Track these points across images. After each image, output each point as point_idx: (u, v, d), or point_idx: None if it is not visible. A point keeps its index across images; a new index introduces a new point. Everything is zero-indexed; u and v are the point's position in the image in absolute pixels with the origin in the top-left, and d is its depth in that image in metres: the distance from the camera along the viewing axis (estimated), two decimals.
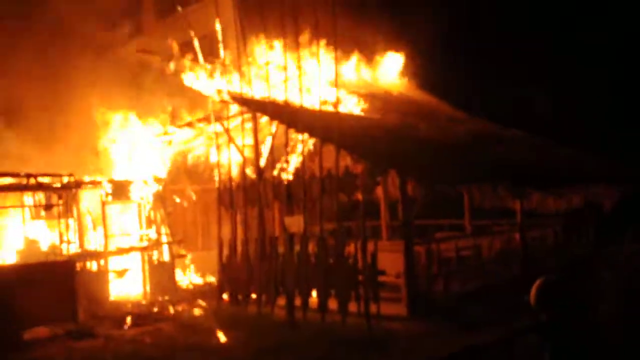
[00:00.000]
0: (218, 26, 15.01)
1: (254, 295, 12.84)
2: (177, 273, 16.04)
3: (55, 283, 11.89)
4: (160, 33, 19.94)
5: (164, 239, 15.52)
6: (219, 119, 14.13)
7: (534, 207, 14.65)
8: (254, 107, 13.06)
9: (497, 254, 14.40)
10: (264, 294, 12.61)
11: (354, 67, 18.02)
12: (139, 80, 15.49)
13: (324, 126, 11.83)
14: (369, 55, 18.43)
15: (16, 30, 15.67)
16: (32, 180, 12.70)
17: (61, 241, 13.71)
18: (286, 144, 12.67)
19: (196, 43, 14.37)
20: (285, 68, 13.77)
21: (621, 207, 14.43)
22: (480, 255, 14.08)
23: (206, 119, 14.61)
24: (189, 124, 15.17)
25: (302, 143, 12.50)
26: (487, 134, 16.28)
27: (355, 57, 18.05)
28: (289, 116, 12.35)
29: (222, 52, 14.32)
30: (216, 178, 13.94)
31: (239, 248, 13.09)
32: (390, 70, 19.17)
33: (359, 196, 11.72)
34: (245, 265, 12.88)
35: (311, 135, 12.16)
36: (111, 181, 14.84)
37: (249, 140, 13.74)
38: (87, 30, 16.51)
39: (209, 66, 14.60)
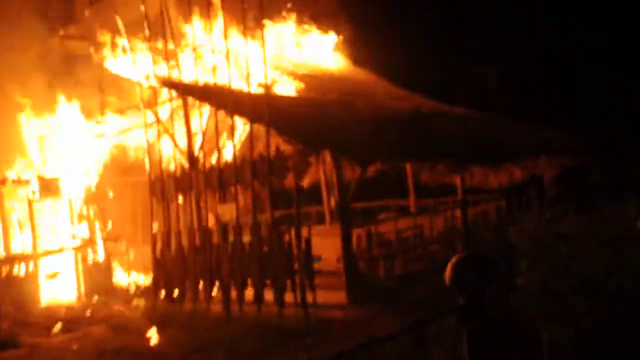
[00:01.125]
0: (142, 8, 14.26)
1: (189, 291, 12.27)
2: (116, 272, 15.39)
3: None
4: (93, 19, 18.95)
5: (98, 236, 14.81)
6: (149, 105, 13.46)
7: (478, 183, 14.35)
8: (182, 90, 12.44)
9: (440, 234, 14.11)
10: (199, 289, 12.06)
11: (289, 46, 17.43)
12: (68, 69, 14.65)
13: (253, 107, 11.25)
14: (304, 32, 17.86)
15: None
16: None
17: None
18: (216, 128, 12.06)
19: (121, 27, 13.59)
20: (216, 51, 13.17)
21: (563, 180, 14.25)
22: (423, 235, 13.77)
23: (136, 107, 13.93)
24: (120, 112, 14.44)
25: (232, 127, 11.88)
26: (428, 111, 15.90)
27: (290, 36, 17.48)
28: (217, 98, 11.75)
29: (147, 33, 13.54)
30: (147, 168, 13.26)
31: (172, 241, 12.50)
32: (327, 48, 18.63)
33: (292, 180, 11.24)
34: (179, 259, 12.29)
35: (240, 116, 11.58)
36: (39, 178, 14.04)
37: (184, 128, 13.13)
38: (13, 17, 15.50)
39: (140, 51, 13.88)
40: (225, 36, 12.46)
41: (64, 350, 10.54)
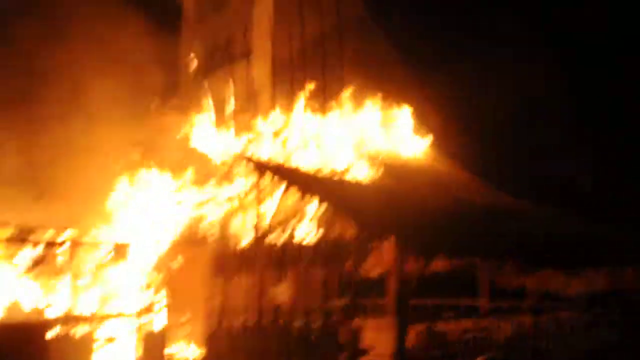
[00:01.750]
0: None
1: None
2: (175, 343, 15.21)
3: (25, 347, 11.22)
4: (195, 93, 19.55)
5: (161, 304, 14.78)
6: (224, 180, 13.66)
7: (554, 288, 13.37)
8: (255, 166, 12.54)
9: (506, 340, 13.09)
10: None
11: (373, 130, 17.43)
12: (157, 139, 15.28)
13: (322, 189, 11.12)
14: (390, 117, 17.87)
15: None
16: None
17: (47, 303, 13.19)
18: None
19: (210, 104, 14.10)
20: (297, 133, 13.37)
21: None
22: (487, 339, 12.82)
23: (216, 181, 14.15)
24: (199, 184, 14.73)
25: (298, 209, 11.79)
26: (507, 208, 15.23)
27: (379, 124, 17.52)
28: (287, 176, 11.74)
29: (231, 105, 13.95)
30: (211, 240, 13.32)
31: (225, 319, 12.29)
32: (417, 140, 18.50)
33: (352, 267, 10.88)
34: (229, 336, 12.01)
35: (307, 195, 11.48)
36: (112, 243, 14.34)
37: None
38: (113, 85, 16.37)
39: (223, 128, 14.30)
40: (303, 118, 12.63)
41: None
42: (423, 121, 18.96)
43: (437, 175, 16.81)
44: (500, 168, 20.20)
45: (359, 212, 10.60)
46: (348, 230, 10.63)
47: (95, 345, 13.46)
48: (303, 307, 10.90)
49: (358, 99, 17.69)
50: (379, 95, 18.00)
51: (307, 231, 11.97)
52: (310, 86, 14.58)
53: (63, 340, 12.66)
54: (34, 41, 15.37)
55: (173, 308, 14.84)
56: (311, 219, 12.26)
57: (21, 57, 15.38)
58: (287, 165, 12.34)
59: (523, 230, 13.00)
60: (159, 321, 14.56)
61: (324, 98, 14.20)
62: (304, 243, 11.32)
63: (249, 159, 12.82)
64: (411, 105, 18.77)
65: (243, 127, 13.97)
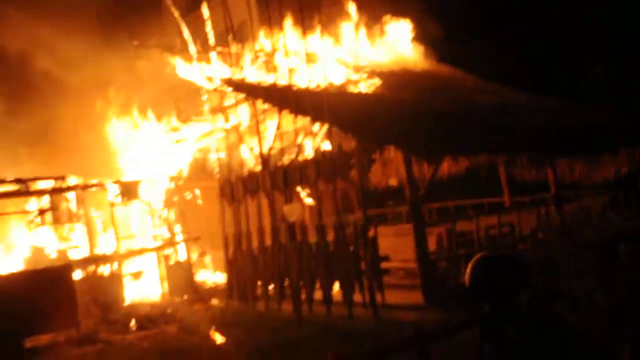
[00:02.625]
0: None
1: (260, 291, 12.09)
2: (199, 272, 15.54)
3: (53, 290, 11.52)
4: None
5: (179, 238, 15.00)
6: (218, 110, 13.51)
7: (579, 178, 13.22)
8: (245, 90, 12.31)
9: (532, 231, 13.07)
10: (270, 289, 11.84)
11: (367, 43, 16.98)
12: (144, 77, 15.00)
13: (315, 105, 10.91)
14: (382, 26, 17.36)
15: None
16: (22, 187, 12.38)
17: (68, 246, 13.45)
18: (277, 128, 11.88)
19: (186, 32, 13.76)
20: (289, 53, 12.99)
21: None
22: (512, 234, 12.82)
23: (212, 112, 14.02)
24: (197, 118, 14.60)
25: (294, 126, 11.62)
26: (519, 104, 14.90)
27: (366, 31, 17.04)
28: (279, 97, 11.52)
29: (211, 38, 13.62)
30: (217, 171, 13.28)
31: (243, 242, 12.37)
32: (407, 43, 17.99)
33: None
34: (249, 260, 12.13)
35: (301, 114, 11.28)
36: (118, 182, 14.42)
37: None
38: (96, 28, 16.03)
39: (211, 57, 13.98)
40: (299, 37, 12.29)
41: (133, 347, 10.69)
42: (422, 30, 18.42)
43: (440, 80, 16.41)
44: (508, 68, 19.68)
45: (356, 125, 10.40)
46: (348, 143, 10.48)
47: (124, 281, 13.83)
48: (316, 223, 10.88)
49: (350, 16, 17.25)
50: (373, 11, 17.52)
51: (309, 149, 11.86)
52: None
53: (93, 278, 13.01)
54: None
55: (191, 239, 15.07)
56: (311, 136, 12.12)
57: None
58: (272, 85, 12.04)
59: (537, 122, 12.75)
60: (180, 253, 14.84)
61: (311, 17, 13.70)
62: (308, 160, 11.18)
63: (235, 82, 12.54)
64: (408, 16, 18.21)
65: (228, 58, 13.65)
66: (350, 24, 17.29)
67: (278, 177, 11.62)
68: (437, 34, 18.52)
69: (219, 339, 10.36)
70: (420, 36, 18.43)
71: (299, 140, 12.39)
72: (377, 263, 10.12)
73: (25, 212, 13.38)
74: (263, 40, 14.82)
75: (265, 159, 12.40)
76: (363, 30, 17.21)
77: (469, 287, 3.76)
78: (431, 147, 9.81)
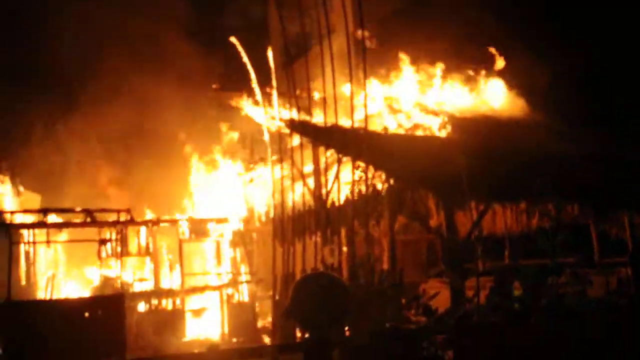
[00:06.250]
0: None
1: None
2: (259, 314, 15.55)
3: (103, 318, 12.04)
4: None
5: (243, 278, 15.19)
6: (283, 152, 13.68)
7: None
8: (297, 129, 12.44)
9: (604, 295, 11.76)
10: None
11: (453, 88, 16.57)
12: (220, 119, 15.71)
13: (356, 145, 10.75)
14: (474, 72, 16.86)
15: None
16: (87, 218, 13.22)
17: (135, 278, 14.09)
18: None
19: (253, 75, 14.23)
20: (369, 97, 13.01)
21: None
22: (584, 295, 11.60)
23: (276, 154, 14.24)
24: (262, 160, 14.93)
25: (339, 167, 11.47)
26: (600, 155, 13.75)
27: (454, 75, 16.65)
28: (325, 137, 11.50)
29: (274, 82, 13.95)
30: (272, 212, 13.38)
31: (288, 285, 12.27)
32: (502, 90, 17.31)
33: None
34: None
35: (343, 153, 11.14)
36: (189, 219, 14.98)
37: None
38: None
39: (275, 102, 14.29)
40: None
41: None
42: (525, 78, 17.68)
43: (523, 128, 15.55)
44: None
45: (391, 165, 10.09)
46: (385, 185, 10.17)
47: (186, 317, 14.20)
48: (350, 266, 10.56)
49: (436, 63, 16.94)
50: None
51: (351, 190, 11.62)
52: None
53: (156, 311, 13.52)
54: None
55: (254, 280, 15.21)
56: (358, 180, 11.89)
57: None
58: (321, 125, 12.03)
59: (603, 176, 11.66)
60: (244, 293, 15.00)
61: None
62: (349, 201, 10.98)
63: (295, 123, 12.67)
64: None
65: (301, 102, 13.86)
66: (437, 69, 16.97)
67: (324, 219, 11.49)
68: (541, 82, 17.69)
69: None
70: (519, 83, 17.71)
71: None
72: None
73: (89, 241, 14.19)
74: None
75: (317, 200, 12.34)
76: (450, 75, 16.82)
77: (291, 309, 3.50)
78: (461, 193, 9.24)
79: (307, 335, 3.41)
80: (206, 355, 4.78)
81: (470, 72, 17.33)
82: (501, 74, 17.55)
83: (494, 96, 17.56)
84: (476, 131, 14.42)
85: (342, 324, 3.41)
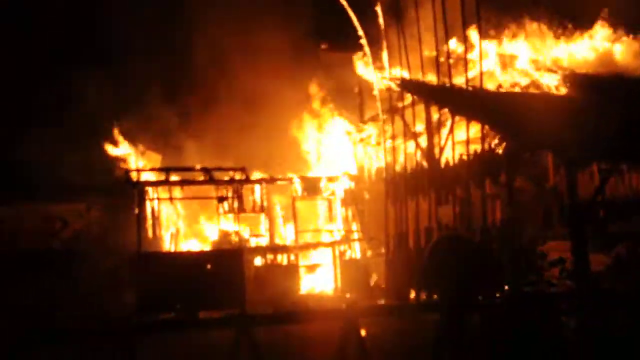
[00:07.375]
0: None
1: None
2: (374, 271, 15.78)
3: (224, 271, 12.70)
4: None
5: (355, 236, 15.42)
6: (394, 111, 13.66)
7: None
8: (409, 89, 12.32)
9: None
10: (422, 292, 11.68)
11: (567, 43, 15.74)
12: (330, 78, 15.83)
13: (471, 104, 10.55)
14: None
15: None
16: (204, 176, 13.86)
17: (251, 234, 14.68)
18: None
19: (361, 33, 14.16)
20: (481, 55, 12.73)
21: None
22: None
23: (387, 113, 14.22)
24: (373, 119, 14.94)
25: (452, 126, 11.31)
26: None
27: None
28: (440, 96, 11.34)
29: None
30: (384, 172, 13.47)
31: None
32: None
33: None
34: (405, 260, 12.11)
35: (458, 114, 10.96)
36: (302, 178, 15.32)
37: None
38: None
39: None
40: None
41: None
42: None
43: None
44: None
45: (509, 125, 9.83)
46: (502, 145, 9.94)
47: (300, 272, 14.70)
48: (466, 226, 10.51)
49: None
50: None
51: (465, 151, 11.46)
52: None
53: (272, 266, 14.10)
54: None
55: (366, 238, 15.42)
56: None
57: None
58: (436, 85, 11.83)
59: None
60: (356, 251, 15.29)
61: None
62: (463, 161, 10.85)
63: (410, 83, 12.56)
64: None
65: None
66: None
67: (438, 178, 11.45)
68: None
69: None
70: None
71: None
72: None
73: (209, 198, 14.82)
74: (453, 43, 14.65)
75: (430, 160, 12.28)
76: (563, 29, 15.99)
77: (426, 273, 3.61)
78: (582, 153, 8.88)
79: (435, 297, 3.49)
80: (345, 311, 4.98)
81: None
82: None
83: (614, 50, 16.54)
84: (599, 88, 13.68)
85: (489, 289, 3.46)
